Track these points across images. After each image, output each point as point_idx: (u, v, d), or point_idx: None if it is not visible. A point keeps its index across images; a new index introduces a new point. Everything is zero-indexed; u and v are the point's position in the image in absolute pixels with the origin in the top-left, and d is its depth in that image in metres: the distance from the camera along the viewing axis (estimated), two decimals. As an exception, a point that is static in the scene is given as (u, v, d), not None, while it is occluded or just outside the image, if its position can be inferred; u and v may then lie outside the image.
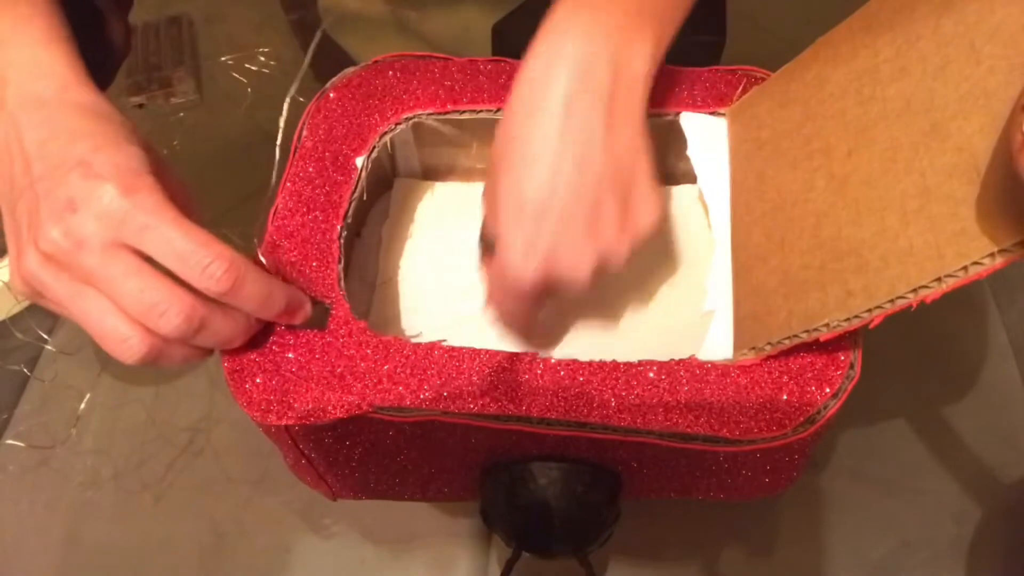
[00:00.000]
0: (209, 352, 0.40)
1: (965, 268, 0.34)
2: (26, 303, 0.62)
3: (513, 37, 0.61)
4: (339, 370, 0.42)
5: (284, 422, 0.40)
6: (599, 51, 0.42)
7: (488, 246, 0.44)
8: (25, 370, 0.62)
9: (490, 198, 0.44)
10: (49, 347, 0.63)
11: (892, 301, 0.36)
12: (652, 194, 0.44)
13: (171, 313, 0.36)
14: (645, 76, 0.43)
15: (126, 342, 0.37)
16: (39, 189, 0.37)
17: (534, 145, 0.42)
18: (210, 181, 0.69)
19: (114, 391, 0.62)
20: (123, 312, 0.37)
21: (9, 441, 0.60)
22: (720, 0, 0.61)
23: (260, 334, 0.43)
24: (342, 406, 0.41)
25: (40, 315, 0.63)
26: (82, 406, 0.61)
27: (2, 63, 0.41)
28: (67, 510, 0.58)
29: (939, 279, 0.35)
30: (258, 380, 0.42)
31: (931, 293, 0.35)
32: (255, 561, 0.56)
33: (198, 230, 0.37)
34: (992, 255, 0.33)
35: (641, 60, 0.43)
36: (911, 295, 0.36)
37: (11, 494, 0.59)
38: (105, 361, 0.63)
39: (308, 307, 0.43)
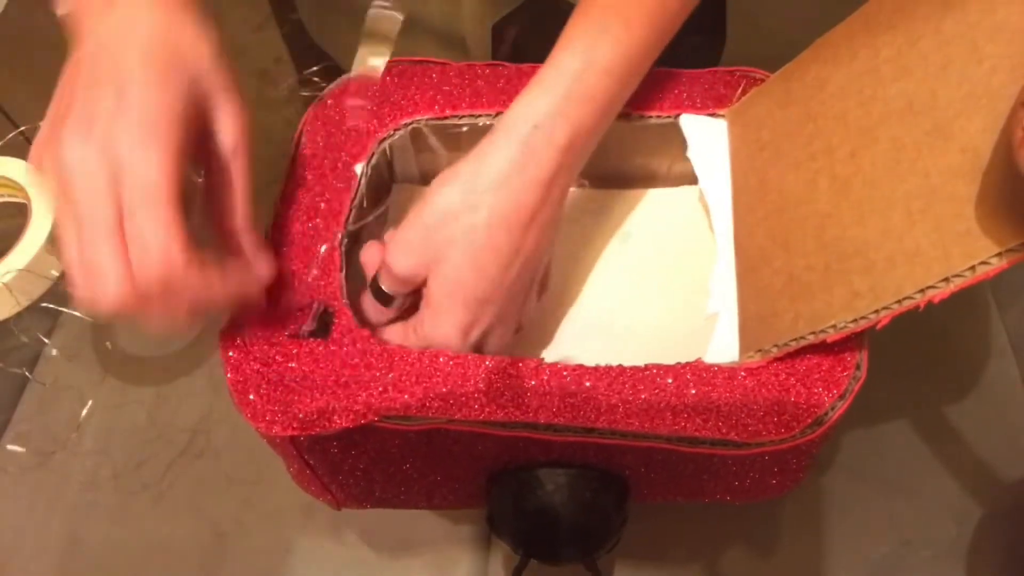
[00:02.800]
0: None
1: (972, 268, 0.34)
2: (27, 304, 0.62)
3: (513, 37, 0.61)
4: (343, 379, 0.42)
5: (289, 433, 0.40)
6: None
7: (382, 298, 0.47)
8: (26, 372, 0.62)
9: (398, 249, 0.45)
10: (49, 348, 0.63)
11: (900, 302, 0.36)
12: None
13: (104, 285, 0.36)
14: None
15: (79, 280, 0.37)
16: (77, 98, 0.38)
17: (489, 253, 0.44)
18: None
19: (115, 392, 0.62)
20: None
21: (9, 442, 0.60)
22: (720, 0, 0.61)
23: (264, 344, 0.43)
24: (347, 415, 0.40)
25: (40, 316, 0.63)
26: (83, 408, 0.60)
27: None
28: (67, 510, 0.57)
29: (947, 279, 0.35)
30: (262, 391, 0.41)
31: (939, 293, 0.35)
32: (255, 561, 0.55)
33: (163, 230, 0.36)
34: (999, 255, 0.33)
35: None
36: (919, 295, 0.36)
37: (11, 494, 0.58)
38: (106, 363, 0.63)
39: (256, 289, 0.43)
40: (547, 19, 0.58)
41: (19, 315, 0.62)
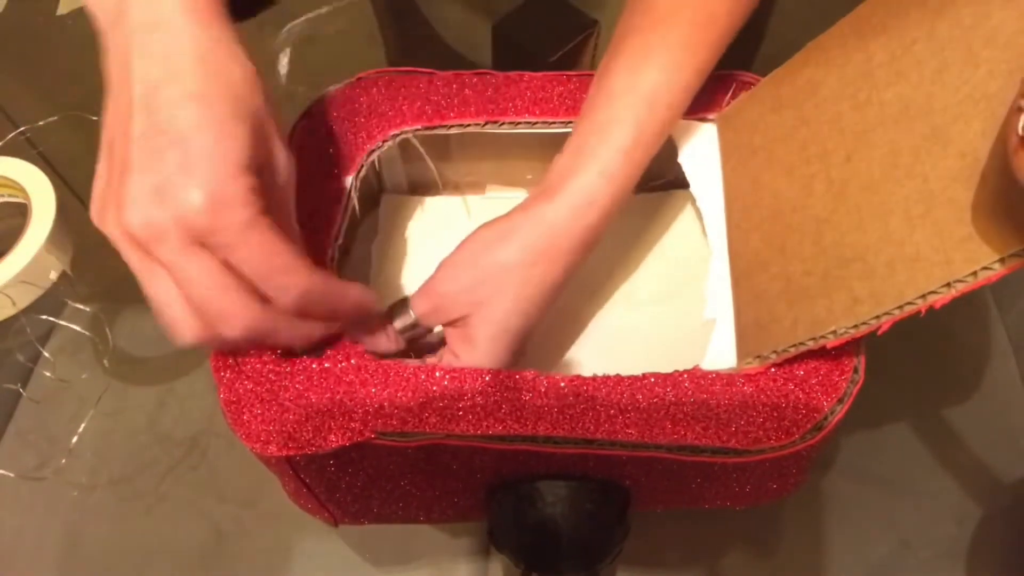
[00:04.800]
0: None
1: (975, 273, 0.33)
2: (24, 305, 0.62)
3: (513, 37, 0.60)
4: (338, 396, 0.41)
5: (285, 453, 0.39)
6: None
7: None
8: (20, 388, 0.61)
9: (448, 274, 0.46)
10: (46, 353, 0.62)
11: (901, 307, 0.36)
12: None
13: (235, 323, 0.36)
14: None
15: (185, 331, 0.37)
16: (134, 152, 0.35)
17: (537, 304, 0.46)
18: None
19: (116, 394, 0.62)
20: (189, 303, 0.36)
21: (9, 443, 0.60)
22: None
23: (257, 362, 0.42)
24: (343, 433, 0.40)
25: (39, 318, 0.63)
26: (83, 410, 0.60)
27: None
28: (67, 512, 0.57)
29: (948, 284, 0.34)
30: (256, 410, 0.40)
31: (940, 298, 0.35)
32: (255, 561, 0.55)
33: (280, 250, 0.37)
34: (1002, 260, 0.33)
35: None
36: (920, 301, 0.35)
37: (11, 496, 0.58)
38: (106, 364, 0.62)
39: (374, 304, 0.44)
40: (547, 19, 0.58)
41: (17, 316, 0.62)
